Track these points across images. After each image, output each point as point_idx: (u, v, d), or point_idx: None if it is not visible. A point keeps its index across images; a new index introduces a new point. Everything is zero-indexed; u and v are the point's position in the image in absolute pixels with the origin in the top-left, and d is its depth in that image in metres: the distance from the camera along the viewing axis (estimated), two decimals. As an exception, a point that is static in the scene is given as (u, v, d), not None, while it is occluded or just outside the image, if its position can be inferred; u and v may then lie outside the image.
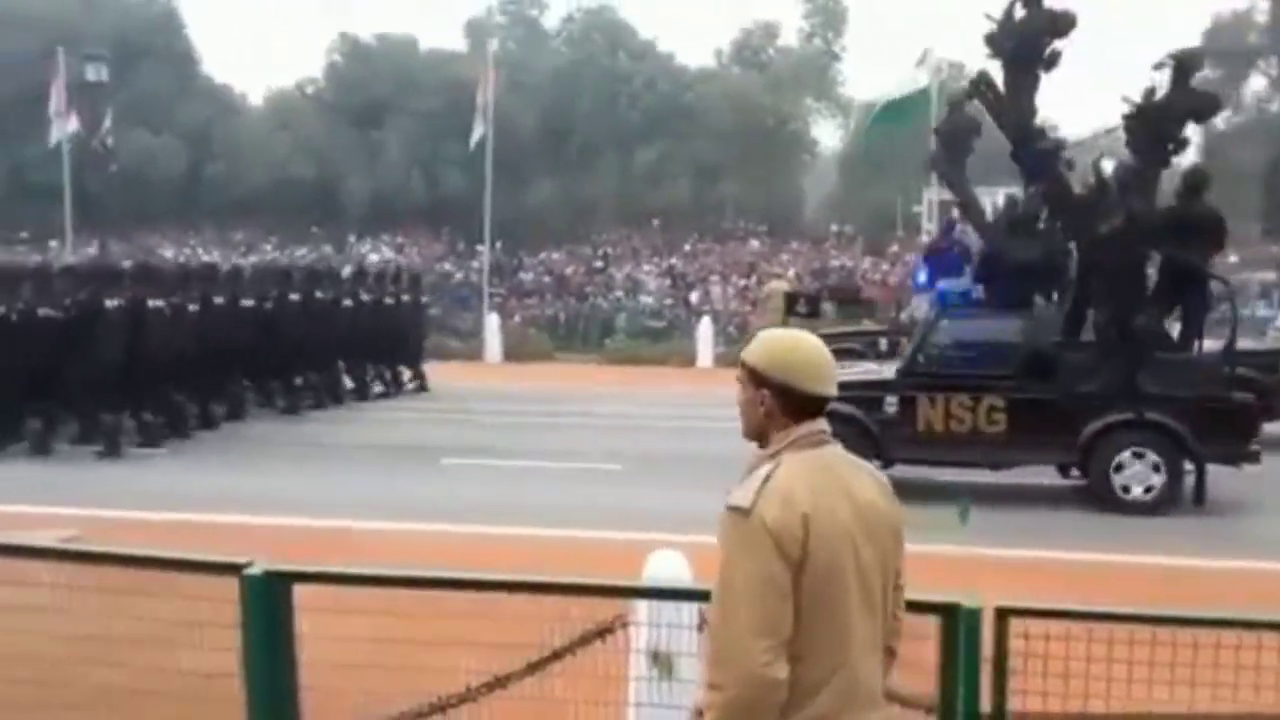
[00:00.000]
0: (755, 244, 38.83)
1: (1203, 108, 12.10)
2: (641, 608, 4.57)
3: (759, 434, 2.76)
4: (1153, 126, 11.51)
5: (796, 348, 2.74)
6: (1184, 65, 11.89)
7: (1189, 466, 10.73)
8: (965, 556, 8.23)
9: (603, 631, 4.50)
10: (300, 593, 3.77)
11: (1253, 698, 3.64)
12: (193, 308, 14.44)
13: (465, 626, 3.57)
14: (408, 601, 3.70)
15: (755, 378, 2.74)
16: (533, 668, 4.09)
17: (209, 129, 43.72)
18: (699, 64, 47.51)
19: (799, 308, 14.87)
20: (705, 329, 25.58)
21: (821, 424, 2.72)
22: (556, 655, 4.14)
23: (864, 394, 10.92)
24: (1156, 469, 10.53)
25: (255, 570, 3.69)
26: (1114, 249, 10.69)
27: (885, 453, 10.65)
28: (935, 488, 11.08)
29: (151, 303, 13.74)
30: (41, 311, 13.16)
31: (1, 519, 8.49)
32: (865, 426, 10.67)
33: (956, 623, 3.46)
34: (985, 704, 3.57)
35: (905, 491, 3.17)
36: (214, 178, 43.07)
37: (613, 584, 4.31)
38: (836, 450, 2.73)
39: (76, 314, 13.26)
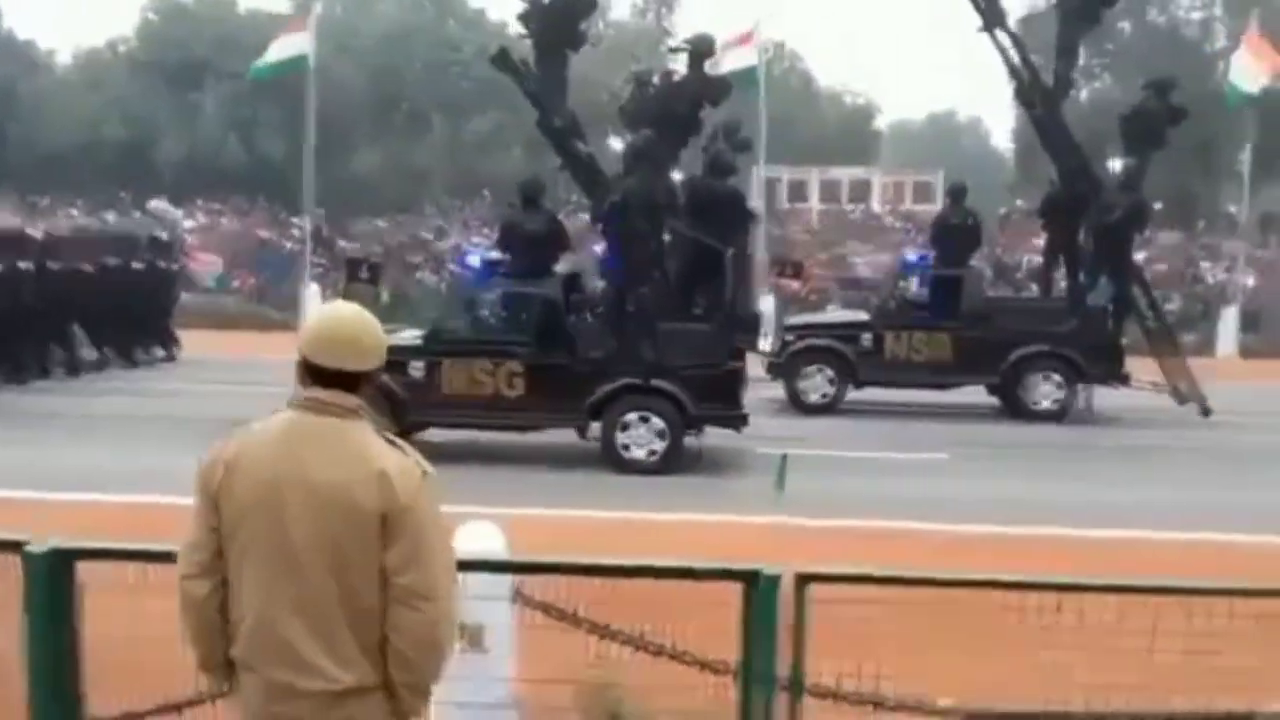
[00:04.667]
0: (586, 217, 38.75)
1: (712, 92, 12.89)
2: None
3: None
4: (665, 105, 12.23)
5: (320, 319, 2.93)
6: (698, 51, 13.07)
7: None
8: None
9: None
10: (93, 570, 3.65)
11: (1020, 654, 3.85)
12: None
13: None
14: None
15: None
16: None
17: (12, 87, 41.54)
18: (531, 35, 47.13)
19: (361, 273, 14.95)
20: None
21: (317, 393, 2.85)
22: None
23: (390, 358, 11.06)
24: (661, 434, 11.01)
25: (37, 548, 3.54)
26: (617, 222, 11.12)
27: (413, 414, 10.96)
28: (758, 458, 11.32)
29: None
30: None
31: None
32: (390, 390, 10.83)
33: (757, 589, 3.55)
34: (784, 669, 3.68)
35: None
36: (16, 138, 40.89)
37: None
38: (328, 421, 2.84)
39: None
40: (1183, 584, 3.89)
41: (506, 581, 4.42)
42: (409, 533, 2.78)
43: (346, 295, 26.66)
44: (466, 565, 4.57)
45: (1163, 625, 3.67)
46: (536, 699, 4.62)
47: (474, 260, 12.74)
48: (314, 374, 2.86)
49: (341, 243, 31.41)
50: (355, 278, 15.41)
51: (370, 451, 2.82)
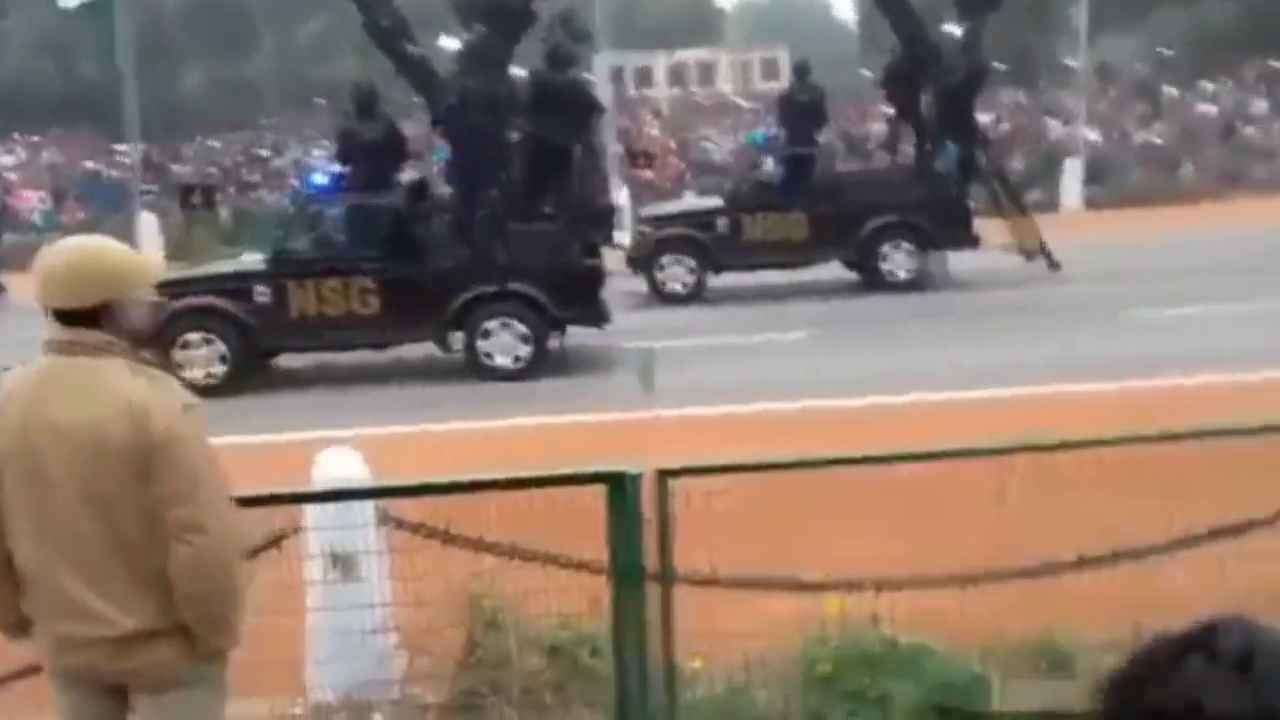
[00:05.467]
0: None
1: None
2: (314, 510, 4.44)
3: None
4: (494, 2, 11.50)
5: (39, 257, 2.79)
6: None
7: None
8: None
9: (277, 539, 4.36)
10: None
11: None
12: None
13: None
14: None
15: None
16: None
17: None
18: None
19: (193, 199, 14.58)
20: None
21: (60, 333, 2.76)
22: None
23: (231, 285, 11.03)
24: (524, 339, 10.91)
25: None
26: (457, 124, 10.96)
27: (259, 340, 10.83)
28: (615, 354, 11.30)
29: None
30: None
31: None
32: (234, 316, 10.74)
33: (618, 489, 3.53)
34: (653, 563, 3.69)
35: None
36: None
37: (285, 491, 4.17)
38: (78, 361, 2.75)
39: None
40: (1040, 440, 3.98)
41: (371, 507, 4.32)
42: (171, 466, 2.68)
43: (187, 222, 25.83)
44: (327, 495, 4.49)
45: (1036, 481, 3.75)
46: (415, 620, 4.57)
47: (320, 179, 12.27)
48: (54, 314, 2.76)
49: (174, 167, 30.13)
50: (188, 204, 14.97)
51: (122, 387, 2.70)
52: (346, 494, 4.40)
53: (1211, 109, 28.70)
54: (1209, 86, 30.74)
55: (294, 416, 9.25)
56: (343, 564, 4.47)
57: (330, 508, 4.41)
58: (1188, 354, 9.42)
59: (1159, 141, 26.17)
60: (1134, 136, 26.65)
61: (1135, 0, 36.44)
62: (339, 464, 4.73)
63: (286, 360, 11.52)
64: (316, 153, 31.64)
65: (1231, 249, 15.13)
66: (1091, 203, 22.43)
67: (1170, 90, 30.85)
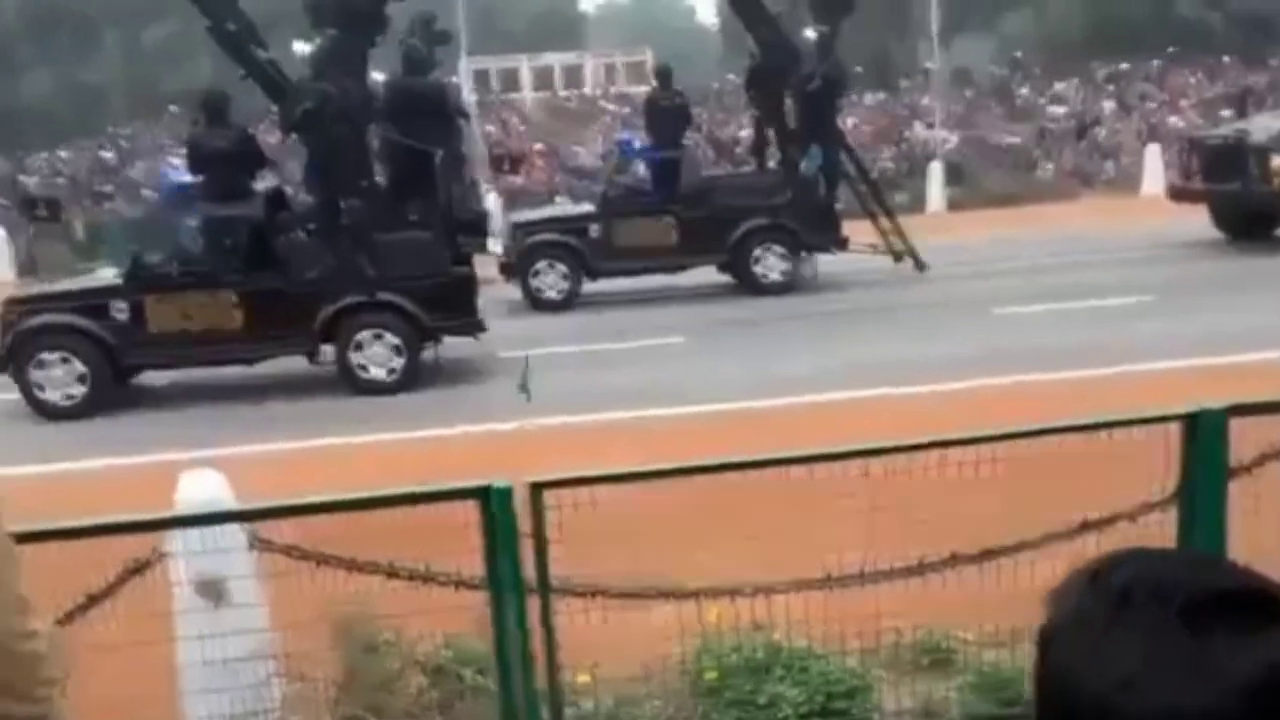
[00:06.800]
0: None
1: None
2: (179, 535, 4.29)
3: None
4: (347, 1, 11.10)
5: None
6: None
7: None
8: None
9: (140, 567, 4.21)
10: None
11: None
12: None
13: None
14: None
15: None
16: (69, 617, 3.77)
17: None
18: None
19: (39, 212, 14.08)
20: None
21: None
22: (93, 600, 3.86)
23: (88, 301, 10.74)
24: (396, 350, 10.74)
25: None
26: (314, 131, 10.81)
27: (120, 359, 10.54)
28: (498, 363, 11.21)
29: None
30: None
31: None
32: (92, 333, 10.46)
33: (491, 504, 3.48)
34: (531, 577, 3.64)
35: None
36: None
37: (148, 518, 4.02)
38: None
39: None
40: (910, 441, 4.03)
41: (238, 530, 4.19)
42: None
43: (36, 236, 24.74)
44: (191, 520, 4.33)
45: (908, 480, 3.79)
46: (292, 644, 4.44)
47: (171, 187, 11.90)
48: None
49: (21, 178, 28.96)
50: (35, 217, 14.25)
51: None
52: (212, 518, 4.25)
53: (1063, 110, 29.77)
54: (1061, 88, 31.88)
55: (159, 437, 8.94)
56: (212, 591, 4.34)
57: (196, 532, 4.27)
58: (1051, 349, 9.72)
59: (1016, 142, 27.04)
60: (992, 138, 27.48)
61: (987, 4, 37.62)
62: (202, 486, 4.57)
63: (150, 378, 11.14)
64: (172, 162, 30.72)
65: (1085, 246, 15.70)
66: (954, 204, 23.02)
67: (1024, 92, 31.91)
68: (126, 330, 10.54)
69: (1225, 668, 0.86)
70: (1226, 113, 20.17)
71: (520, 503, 3.58)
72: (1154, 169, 21.93)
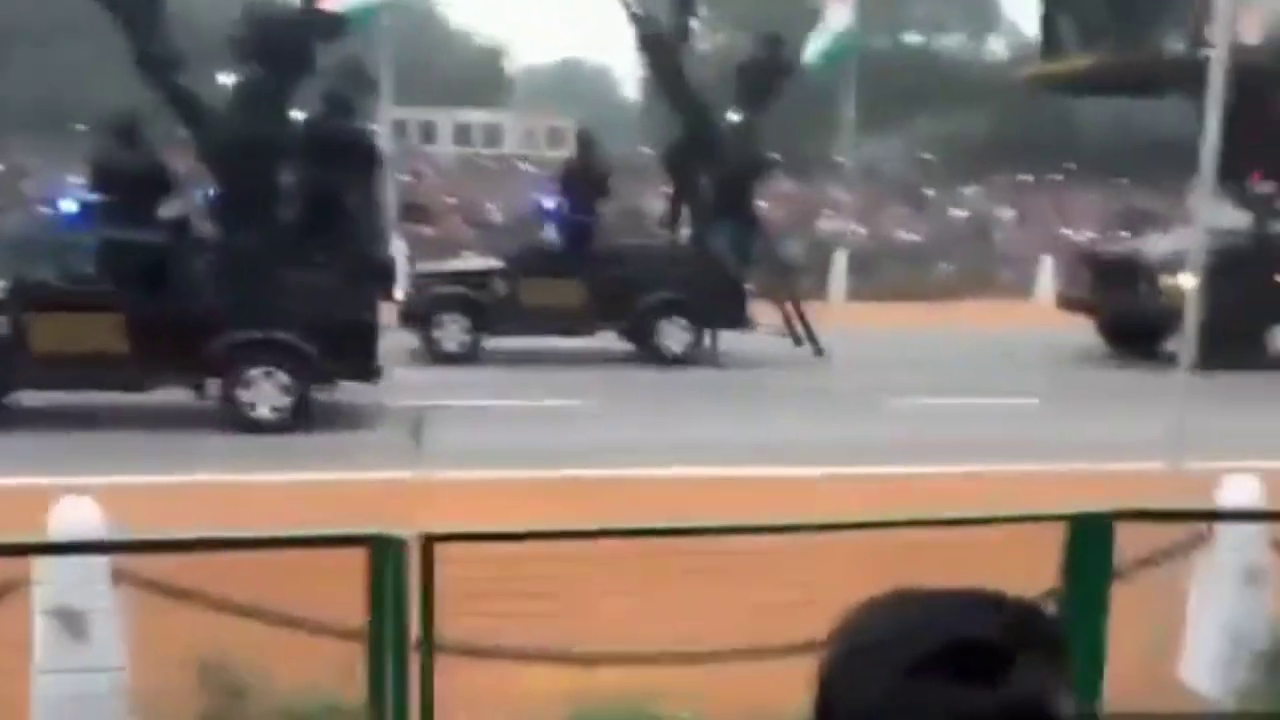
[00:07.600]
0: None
1: (325, 27, 12.08)
2: (44, 563, 4.12)
3: None
4: (274, 40, 10.98)
5: None
6: None
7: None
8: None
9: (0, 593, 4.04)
10: None
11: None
12: None
13: None
14: None
15: None
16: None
17: None
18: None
19: None
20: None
21: None
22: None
23: None
24: (287, 390, 10.56)
25: None
26: (226, 162, 10.75)
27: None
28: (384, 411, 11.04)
29: None
30: None
31: None
32: None
33: (382, 553, 3.39)
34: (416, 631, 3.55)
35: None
36: None
37: (5, 542, 3.85)
38: None
39: None
40: (803, 521, 4.05)
41: (104, 562, 4.03)
42: None
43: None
44: (54, 547, 4.15)
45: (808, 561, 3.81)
46: (150, 684, 4.27)
47: (69, 205, 11.55)
48: None
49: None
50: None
51: None
52: (76, 546, 4.10)
53: (964, 213, 30.65)
54: (965, 192, 32.87)
55: (34, 461, 8.60)
56: (71, 622, 4.17)
57: (60, 561, 4.10)
58: (942, 443, 9.90)
59: (918, 240, 27.72)
60: (895, 234, 28.13)
61: (899, 105, 38.74)
62: (76, 514, 4.40)
63: (29, 399, 10.72)
64: (72, 179, 29.88)
65: (979, 346, 16.09)
66: (854, 294, 23.43)
67: (928, 192, 32.82)
68: (5, 347, 10.18)
69: (933, 715, 0.93)
70: (1124, 233, 20.95)
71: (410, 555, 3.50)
72: (1047, 278, 22.64)
